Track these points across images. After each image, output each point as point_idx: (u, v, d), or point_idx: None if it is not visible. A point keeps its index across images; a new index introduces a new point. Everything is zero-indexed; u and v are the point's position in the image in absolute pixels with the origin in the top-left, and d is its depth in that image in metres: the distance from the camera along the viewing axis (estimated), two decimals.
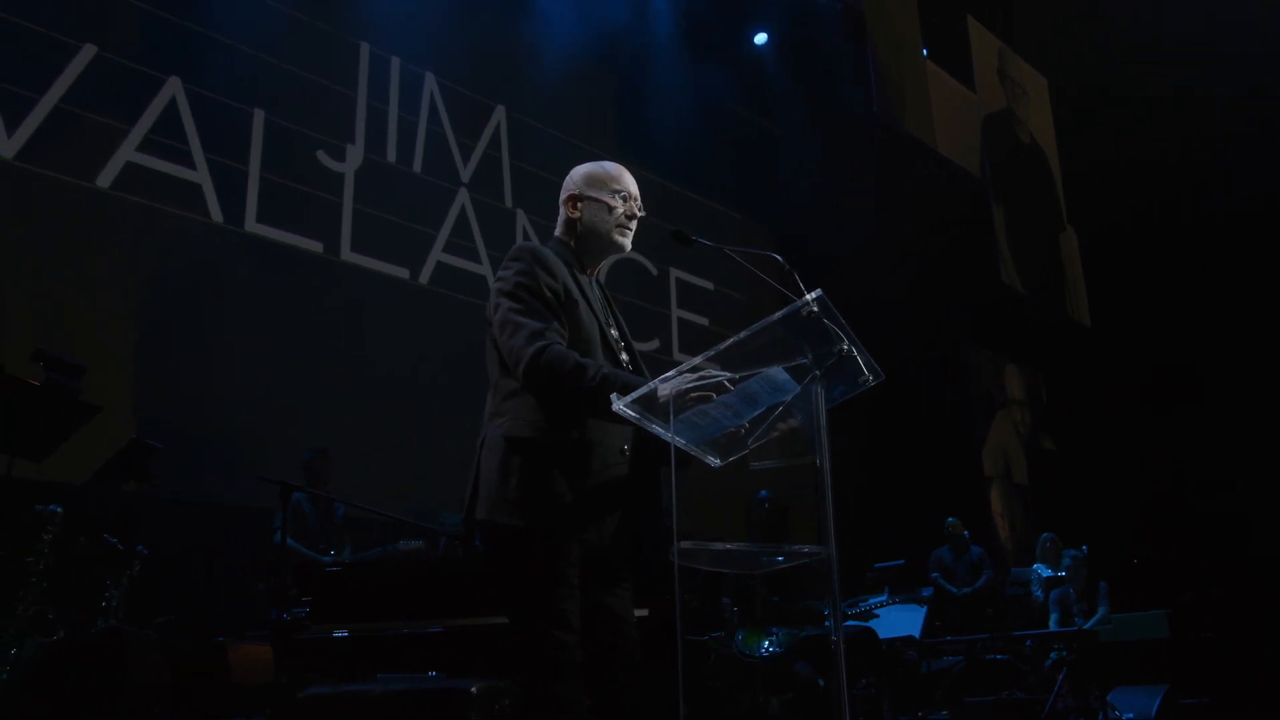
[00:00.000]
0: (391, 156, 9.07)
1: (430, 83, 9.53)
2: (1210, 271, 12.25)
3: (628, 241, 2.72)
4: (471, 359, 9.36)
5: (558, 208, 2.80)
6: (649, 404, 2.22)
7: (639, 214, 2.73)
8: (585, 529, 2.44)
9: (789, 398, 2.32)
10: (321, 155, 8.51)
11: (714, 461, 2.47)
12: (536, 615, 2.36)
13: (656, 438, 2.40)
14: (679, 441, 2.30)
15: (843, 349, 2.20)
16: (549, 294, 2.53)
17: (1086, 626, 7.63)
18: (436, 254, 9.14)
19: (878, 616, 6.59)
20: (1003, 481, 12.97)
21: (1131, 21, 11.36)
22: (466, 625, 4.24)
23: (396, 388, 8.33)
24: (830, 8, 10.97)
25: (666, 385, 2.25)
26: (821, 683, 4.97)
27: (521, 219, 9.97)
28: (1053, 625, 7.95)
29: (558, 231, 2.80)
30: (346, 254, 8.48)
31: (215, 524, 6.47)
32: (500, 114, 10.03)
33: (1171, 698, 7.30)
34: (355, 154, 8.77)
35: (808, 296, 2.11)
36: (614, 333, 2.67)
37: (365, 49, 9.06)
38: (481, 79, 9.90)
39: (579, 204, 2.74)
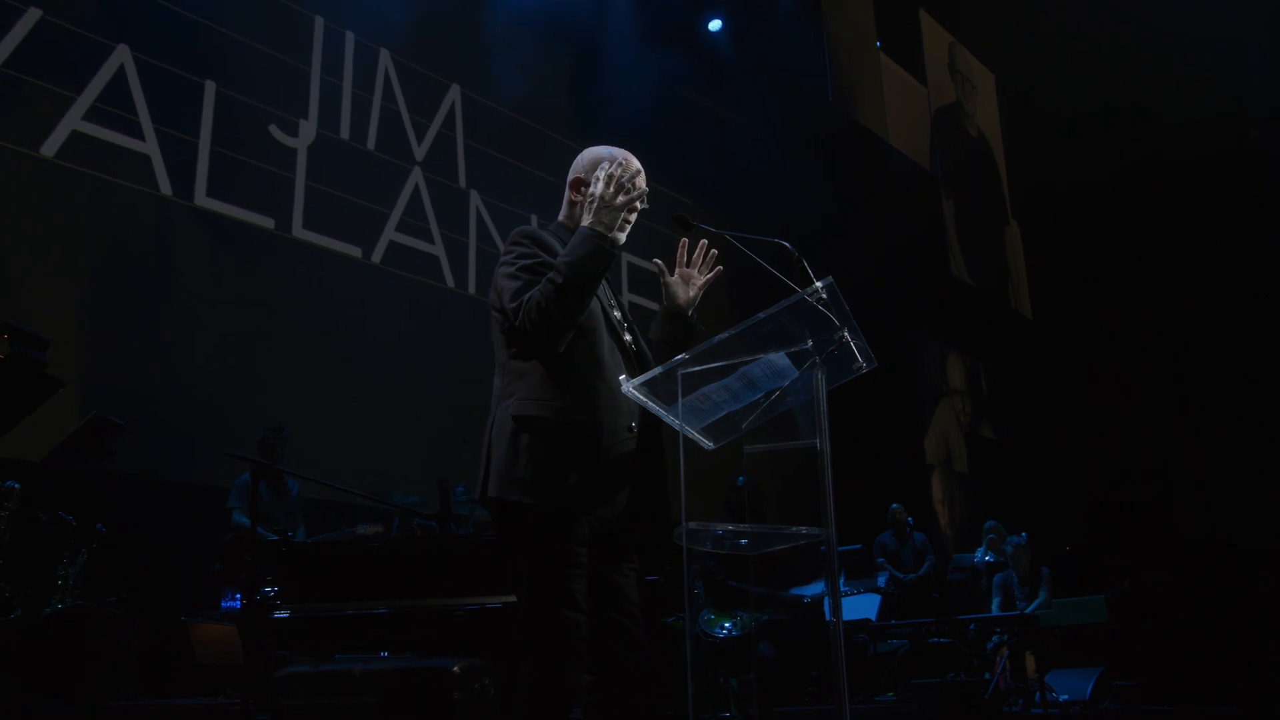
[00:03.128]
0: (345, 133, 8.94)
1: (385, 59, 9.41)
2: (1148, 268, 12.61)
3: (623, 235, 2.71)
4: (423, 339, 9.30)
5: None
6: (657, 388, 2.24)
7: (641, 207, 2.72)
8: (595, 507, 2.46)
9: (786, 383, 2.36)
10: (274, 130, 8.37)
11: (708, 444, 2.50)
12: (545, 593, 2.37)
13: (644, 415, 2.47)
14: (677, 424, 2.33)
15: (843, 336, 2.24)
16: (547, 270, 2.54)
17: (1028, 611, 7.84)
18: (389, 233, 9.04)
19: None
20: (944, 469, 13.23)
21: (1076, 27, 11.63)
22: (432, 605, 4.24)
23: (347, 367, 8.25)
24: None
25: (591, 219, 2.50)
26: (774, 662, 5.05)
27: (475, 199, 9.91)
28: (995, 609, 8.15)
29: (561, 215, 2.80)
30: (298, 231, 8.35)
31: (172, 502, 6.35)
32: (455, 93, 9.94)
33: (1105, 679, 7.55)
34: (308, 129, 8.64)
35: (817, 284, 2.15)
36: (617, 314, 2.69)
37: (320, 23, 8.91)
38: (437, 57, 9.80)
39: (583, 188, 2.74)
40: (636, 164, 2.74)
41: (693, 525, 2.08)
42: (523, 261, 2.55)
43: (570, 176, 2.78)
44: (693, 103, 12.22)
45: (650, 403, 2.29)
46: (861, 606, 7.09)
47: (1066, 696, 7.43)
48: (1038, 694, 7.11)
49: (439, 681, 2.88)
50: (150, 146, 7.54)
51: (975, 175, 13.18)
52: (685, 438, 2.41)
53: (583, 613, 2.37)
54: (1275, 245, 11.92)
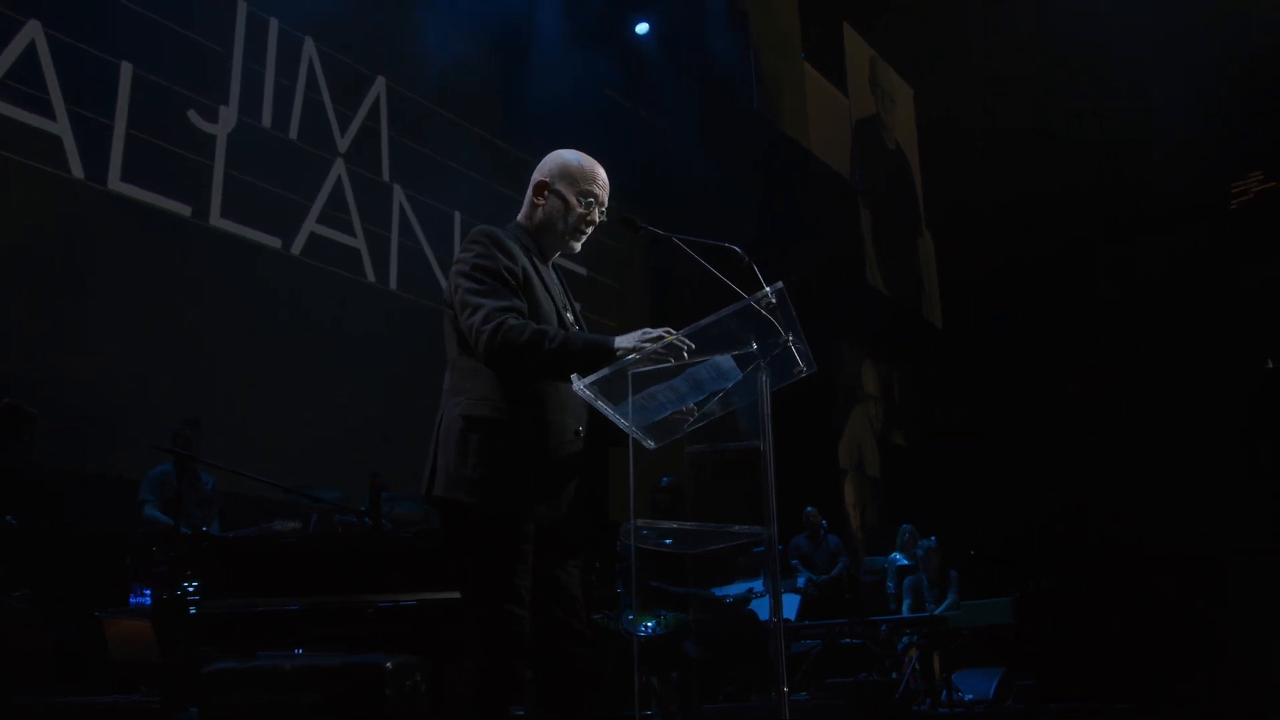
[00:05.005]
0: (266, 121, 8.76)
1: (310, 47, 9.24)
2: (1056, 283, 13.08)
3: (578, 245, 2.76)
4: (342, 333, 9.13)
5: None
6: (607, 387, 2.27)
7: (599, 220, 2.76)
8: (541, 507, 2.49)
9: (730, 384, 2.42)
10: (193, 115, 8.16)
11: (650, 444, 2.54)
12: (491, 590, 2.40)
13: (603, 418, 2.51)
14: (623, 424, 2.37)
15: (787, 340, 2.29)
16: (507, 275, 2.55)
17: (937, 612, 8.05)
18: (310, 224, 8.89)
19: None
20: (856, 474, 13.51)
21: (990, 50, 12.03)
22: (354, 602, 4.21)
23: (264, 360, 8.10)
24: (716, 3, 11.16)
25: (625, 339, 2.35)
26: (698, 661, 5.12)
27: (398, 194, 9.79)
28: (906, 611, 8.35)
29: (520, 216, 2.81)
30: (216, 219, 8.16)
31: (82, 494, 6.15)
32: (381, 85, 9.81)
33: (1008, 679, 7.80)
34: (228, 116, 8.44)
35: (767, 289, 2.20)
36: (569, 316, 2.71)
37: (243, 7, 8.71)
38: (363, 48, 9.65)
39: (545, 193, 2.75)
40: (602, 180, 2.79)
41: (641, 523, 2.12)
42: (479, 261, 2.56)
43: (535, 179, 2.79)
44: (620, 104, 12.25)
45: (599, 402, 2.32)
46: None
47: (971, 696, 7.67)
48: (944, 693, 7.32)
49: (372, 678, 2.87)
50: (62, 127, 7.30)
51: (892, 187, 13.51)
52: (618, 433, 2.46)
53: (526, 609, 2.40)
54: (1178, 265, 12.48)
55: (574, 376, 2.30)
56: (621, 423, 2.37)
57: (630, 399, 2.26)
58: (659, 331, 2.35)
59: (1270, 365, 12.13)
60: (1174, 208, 12.63)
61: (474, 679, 2.34)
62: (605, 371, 2.28)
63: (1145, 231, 12.89)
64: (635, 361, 2.25)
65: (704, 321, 2.24)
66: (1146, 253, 12.78)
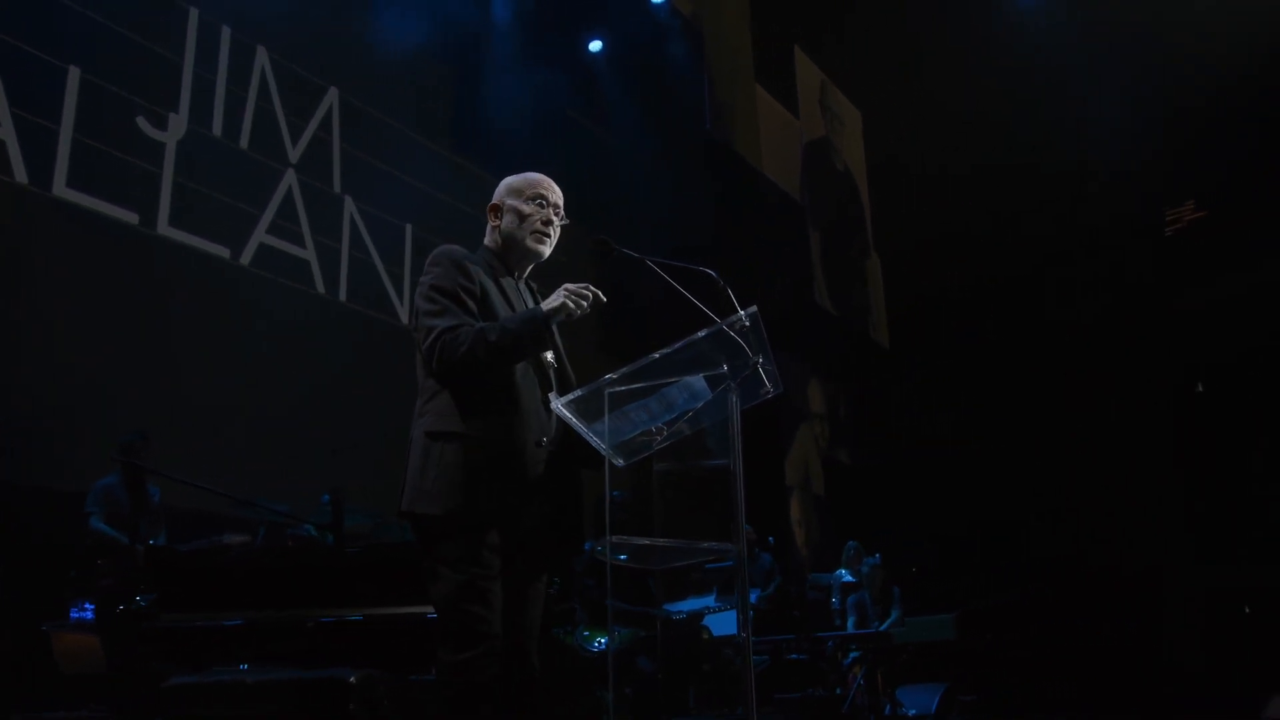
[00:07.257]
0: (217, 130, 8.66)
1: (262, 56, 9.17)
2: (997, 301, 13.37)
3: (545, 247, 2.84)
4: (292, 345, 9.01)
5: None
6: (584, 406, 2.31)
7: (557, 220, 2.84)
8: (501, 517, 2.54)
9: (700, 404, 2.47)
10: (142, 122, 8.05)
11: (619, 462, 2.58)
12: (458, 595, 2.44)
13: (562, 434, 2.55)
14: (596, 441, 2.41)
15: (757, 362, 2.35)
16: (463, 293, 2.63)
17: (881, 629, 8.16)
18: (259, 235, 8.79)
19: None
20: (802, 491, 13.63)
21: (937, 76, 12.31)
22: (311, 616, 4.18)
23: (213, 371, 7.98)
24: (670, 24, 11.27)
25: (550, 300, 2.57)
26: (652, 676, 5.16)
27: (349, 205, 9.73)
28: (850, 627, 8.45)
29: (485, 240, 2.88)
30: (164, 228, 8.05)
31: (25, 506, 6.02)
32: (333, 96, 9.75)
33: (950, 694, 7.93)
34: (178, 123, 8.34)
35: (741, 314, 2.26)
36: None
37: (194, 14, 8.62)
38: (316, 58, 9.59)
39: (499, 214, 2.86)
40: (548, 184, 2.90)
41: (616, 539, 2.16)
42: (435, 282, 2.66)
43: (489, 207, 2.89)
44: (572, 120, 12.29)
45: (575, 420, 2.36)
46: (732, 622, 7.27)
47: (915, 711, 7.78)
48: (888, 708, 7.41)
49: (336, 692, 2.86)
50: (6, 131, 7.15)
51: (841, 208, 13.72)
52: (591, 454, 2.50)
53: (494, 610, 2.46)
54: (1116, 290, 12.85)
55: (551, 396, 2.34)
56: (594, 440, 2.41)
57: (606, 417, 2.30)
58: (577, 287, 2.56)
59: (1200, 388, 12.52)
60: (1112, 235, 13.03)
61: (442, 684, 2.37)
62: (582, 391, 2.32)
63: (1084, 257, 13.27)
64: (612, 381, 2.30)
65: (678, 344, 2.29)
66: (1085, 278, 13.16)
